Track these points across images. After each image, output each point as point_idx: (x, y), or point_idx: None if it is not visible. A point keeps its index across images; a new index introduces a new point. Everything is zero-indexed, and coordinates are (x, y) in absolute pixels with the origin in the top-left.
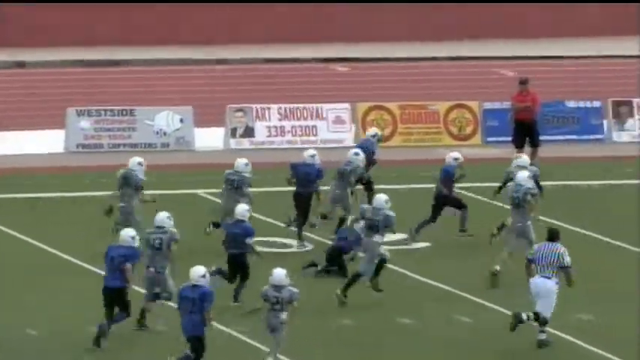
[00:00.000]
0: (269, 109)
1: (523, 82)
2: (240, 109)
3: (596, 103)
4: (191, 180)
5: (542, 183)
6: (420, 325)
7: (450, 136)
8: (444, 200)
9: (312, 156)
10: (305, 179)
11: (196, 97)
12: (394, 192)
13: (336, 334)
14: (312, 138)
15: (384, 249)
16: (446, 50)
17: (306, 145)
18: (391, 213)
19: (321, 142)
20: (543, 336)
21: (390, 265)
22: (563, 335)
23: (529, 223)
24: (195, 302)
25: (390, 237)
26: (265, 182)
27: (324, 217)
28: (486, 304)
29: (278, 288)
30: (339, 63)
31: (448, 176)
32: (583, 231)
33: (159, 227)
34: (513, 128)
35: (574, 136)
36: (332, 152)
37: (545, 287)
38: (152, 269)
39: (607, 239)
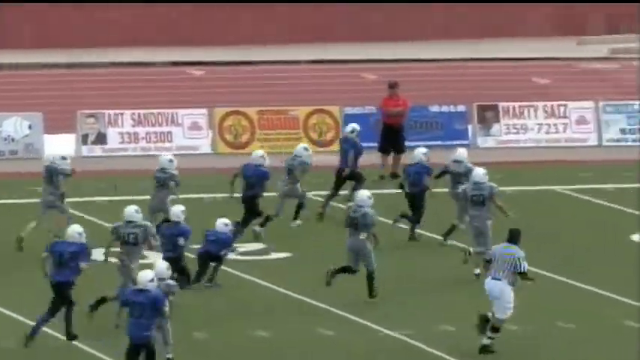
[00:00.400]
0: (122, 114)
1: (392, 86)
2: (91, 115)
3: (461, 108)
4: (40, 189)
5: (406, 191)
6: (279, 338)
7: (310, 142)
8: (420, 195)
9: (262, 156)
10: (250, 181)
11: (46, 102)
12: None
13: (191, 347)
14: (167, 145)
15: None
16: (306, 53)
17: (160, 153)
18: (370, 211)
19: (177, 149)
20: (487, 341)
21: (248, 277)
22: (422, 345)
23: (488, 222)
24: (145, 307)
25: (248, 247)
26: (118, 191)
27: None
28: (349, 316)
29: (159, 281)
30: (195, 66)
31: (428, 172)
32: (449, 241)
33: (129, 222)
34: (381, 133)
35: (438, 142)
36: (188, 159)
37: (497, 289)
38: (125, 262)
39: (470, 249)
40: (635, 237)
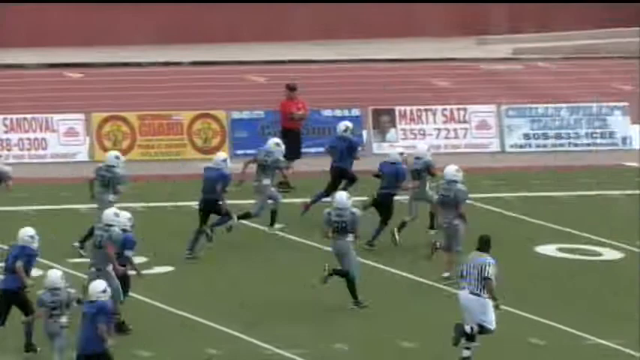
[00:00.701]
0: None
1: (293, 89)
2: None
3: (355, 112)
4: None
5: (298, 200)
6: (163, 358)
7: (194, 148)
8: (389, 200)
9: (224, 160)
10: (209, 185)
11: None
12: (132, 211)
13: None
14: (41, 152)
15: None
16: (190, 54)
17: (34, 160)
18: (357, 211)
19: (52, 157)
20: (467, 353)
21: (131, 293)
22: None
23: (457, 222)
24: (93, 318)
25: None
26: None
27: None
28: (236, 334)
29: (55, 291)
30: (71, 69)
31: (401, 173)
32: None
33: (107, 225)
34: (282, 138)
35: None
36: (64, 167)
37: (478, 303)
38: (93, 269)
39: (370, 262)
40: (540, 249)
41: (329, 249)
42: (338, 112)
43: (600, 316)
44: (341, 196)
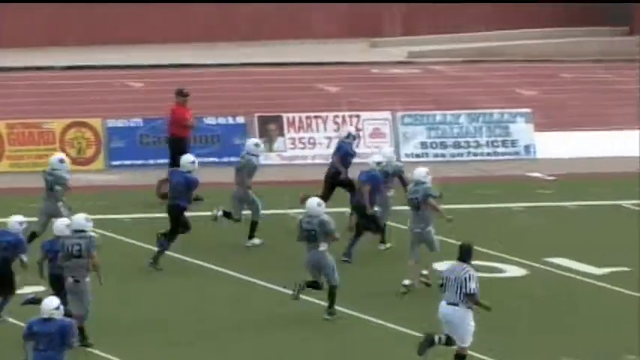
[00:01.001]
0: None
1: (185, 95)
2: None
3: (239, 119)
4: None
5: (192, 214)
6: None
7: (68, 159)
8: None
9: (192, 162)
10: (175, 189)
11: None
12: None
13: None
14: None
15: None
16: (63, 58)
17: None
18: (326, 218)
19: None
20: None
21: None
22: None
23: (429, 228)
24: (53, 338)
25: None
26: None
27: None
28: (106, 356)
29: None
30: None
31: (377, 183)
32: (223, 270)
33: (77, 231)
34: (171, 147)
35: (214, 159)
36: None
37: (456, 316)
38: (70, 279)
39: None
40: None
41: (219, 269)
42: (222, 120)
43: (504, 336)
44: (311, 202)
